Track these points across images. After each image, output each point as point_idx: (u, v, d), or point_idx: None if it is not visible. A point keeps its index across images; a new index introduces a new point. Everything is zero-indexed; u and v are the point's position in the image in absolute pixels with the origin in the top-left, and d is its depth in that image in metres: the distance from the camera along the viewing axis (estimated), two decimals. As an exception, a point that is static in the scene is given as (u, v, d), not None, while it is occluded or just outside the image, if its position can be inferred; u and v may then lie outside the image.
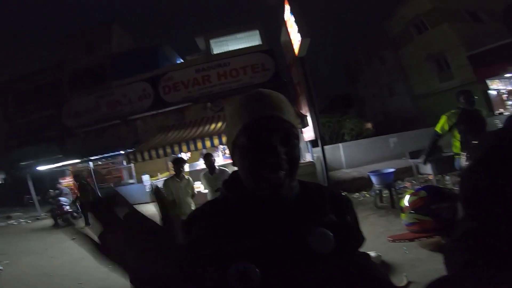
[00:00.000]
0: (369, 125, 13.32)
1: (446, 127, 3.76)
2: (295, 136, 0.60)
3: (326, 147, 9.82)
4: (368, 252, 0.66)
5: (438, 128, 3.86)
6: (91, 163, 10.60)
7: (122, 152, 9.83)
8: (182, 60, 13.04)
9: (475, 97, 3.75)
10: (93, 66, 12.11)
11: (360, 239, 0.66)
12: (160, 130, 9.44)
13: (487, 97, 12.41)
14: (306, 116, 6.41)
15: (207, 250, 0.55)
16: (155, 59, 11.43)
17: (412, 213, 2.95)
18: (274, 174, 0.56)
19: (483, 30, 14.37)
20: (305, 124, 6.29)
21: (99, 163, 11.49)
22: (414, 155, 5.42)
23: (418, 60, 16.43)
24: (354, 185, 7.04)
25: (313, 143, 7.35)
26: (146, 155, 7.04)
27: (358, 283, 0.57)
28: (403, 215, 3.09)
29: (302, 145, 8.24)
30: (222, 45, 10.68)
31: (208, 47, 10.57)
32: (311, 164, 7.11)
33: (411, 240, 3.00)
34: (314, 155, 7.68)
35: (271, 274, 0.52)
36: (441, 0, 15.75)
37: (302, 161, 7.82)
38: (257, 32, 10.15)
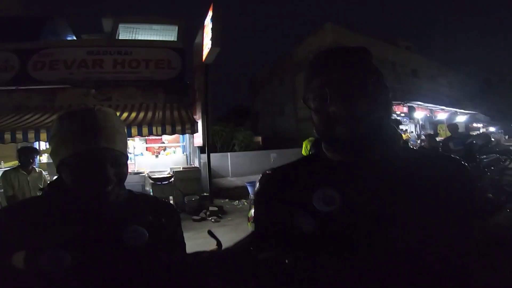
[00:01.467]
0: (258, 139, 14.54)
1: (306, 153, 4.56)
2: (124, 159, 0.71)
3: (215, 154, 10.11)
4: None
5: (303, 152, 4.63)
6: None
7: None
8: (74, 38, 10.94)
9: None
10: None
11: (176, 242, 0.79)
12: (15, 110, 7.46)
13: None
14: (197, 122, 6.43)
15: (22, 239, 0.60)
16: (36, 30, 9.16)
17: (253, 223, 3.39)
18: (104, 188, 0.66)
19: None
20: (195, 130, 6.29)
21: None
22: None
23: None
24: (236, 193, 7.52)
25: (202, 149, 7.42)
26: (-19, 137, 5.39)
27: (167, 270, 0.69)
28: (249, 224, 3.52)
29: (191, 150, 8.22)
30: (131, 32, 9.48)
31: (115, 31, 9.21)
32: (196, 169, 7.14)
33: None
34: (201, 161, 7.76)
35: (84, 261, 0.61)
36: (343, 37, 18.29)
37: (188, 165, 7.85)
38: (176, 28, 9.56)
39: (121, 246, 0.65)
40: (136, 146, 7.93)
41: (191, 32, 9.56)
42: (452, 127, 6.12)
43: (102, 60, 8.54)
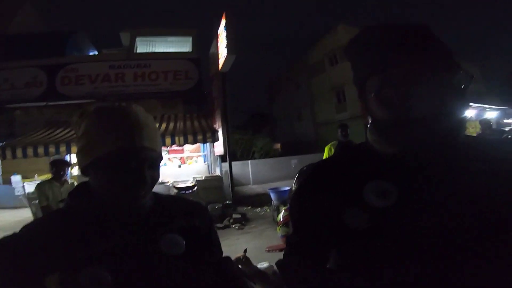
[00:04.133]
0: (277, 146, 14.47)
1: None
2: (159, 160, 0.65)
3: (236, 163, 10.07)
4: (262, 263, 0.76)
5: (325, 157, 4.51)
6: None
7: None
8: (96, 53, 11.55)
9: (347, 130, 4.28)
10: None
11: (212, 242, 0.75)
12: (47, 125, 7.90)
13: (366, 130, 15.23)
14: (217, 131, 6.51)
15: (56, 257, 0.54)
16: (61, 46, 9.73)
17: (284, 226, 3.30)
18: (140, 192, 0.59)
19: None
20: (215, 139, 6.36)
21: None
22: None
23: (324, 90, 18.07)
24: (258, 200, 7.47)
25: (223, 157, 7.48)
26: (19, 152, 5.74)
27: (210, 282, 0.65)
28: (278, 229, 3.45)
29: (212, 159, 8.31)
30: (148, 45, 9.90)
31: (133, 44, 9.64)
32: (218, 178, 7.20)
33: (281, 250, 3.34)
34: (223, 169, 7.81)
35: (123, 276, 0.55)
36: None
37: (210, 174, 7.94)
38: (191, 39, 9.86)
39: (160, 258, 0.60)
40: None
41: (205, 42, 9.80)
42: (485, 123, 5.77)
43: (124, 74, 8.91)
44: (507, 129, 16.25)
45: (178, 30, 10.35)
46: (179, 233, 0.64)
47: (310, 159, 10.45)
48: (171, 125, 7.15)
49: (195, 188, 6.36)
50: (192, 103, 8.69)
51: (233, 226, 5.69)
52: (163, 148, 7.11)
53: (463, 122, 0.49)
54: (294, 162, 10.61)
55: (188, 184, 6.54)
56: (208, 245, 0.73)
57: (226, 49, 6.30)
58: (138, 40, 9.81)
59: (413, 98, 0.46)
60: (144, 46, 9.88)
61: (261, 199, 7.39)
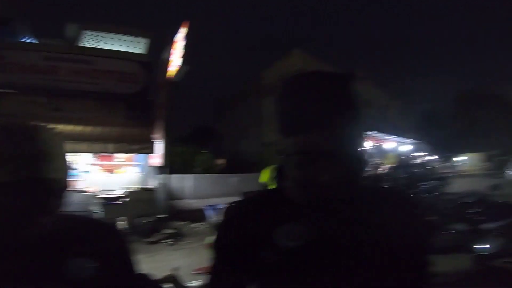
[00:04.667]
0: (221, 161, 14.40)
1: (267, 181, 4.59)
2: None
3: (175, 176, 9.55)
4: (192, 282, 0.76)
5: (262, 180, 4.66)
6: None
7: None
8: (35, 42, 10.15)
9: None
10: None
11: (122, 262, 0.69)
12: None
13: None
14: (155, 142, 6.24)
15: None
16: None
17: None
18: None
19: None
20: (152, 150, 6.09)
21: None
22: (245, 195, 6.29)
23: (274, 112, 19.37)
24: (195, 215, 7.23)
25: (161, 169, 7.14)
26: None
27: None
28: (207, 250, 3.43)
29: (147, 170, 7.83)
30: (96, 40, 8.98)
31: (77, 37, 8.65)
32: (152, 190, 6.81)
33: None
34: (159, 181, 7.44)
35: None
36: (308, 65, 18.65)
37: (144, 186, 7.44)
38: (148, 41, 9.21)
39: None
40: (84, 162, 7.32)
41: (157, 46, 9.40)
42: (398, 157, 6.76)
43: (59, 68, 7.98)
44: (419, 161, 19.24)
45: (134, 29, 9.56)
46: (83, 256, 0.60)
47: (252, 178, 10.62)
48: (106, 129, 6.60)
49: (126, 199, 5.91)
50: (134, 109, 8.16)
51: (166, 241, 5.41)
52: (91, 153, 6.40)
53: (360, 172, 0.58)
54: (234, 180, 10.67)
55: (117, 194, 6.04)
56: (118, 266, 0.68)
57: (181, 59, 6.23)
58: (87, 34, 8.89)
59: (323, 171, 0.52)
60: (91, 41, 9.00)
61: (199, 215, 7.18)
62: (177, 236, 5.75)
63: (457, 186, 9.99)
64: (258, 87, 20.62)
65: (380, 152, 17.70)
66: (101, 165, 7.66)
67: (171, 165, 7.37)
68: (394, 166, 6.73)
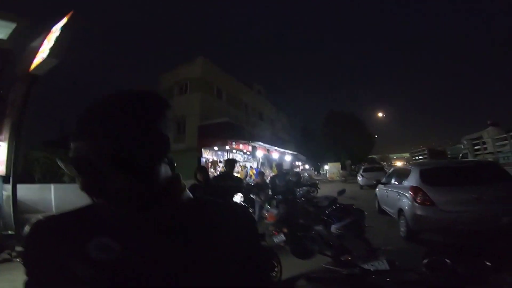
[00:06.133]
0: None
1: None
2: None
3: (33, 186, 8.09)
4: None
5: None
6: None
7: None
8: None
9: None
10: None
11: None
12: None
13: (199, 162, 16.09)
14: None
15: None
16: None
17: None
18: None
19: (218, 107, 19.07)
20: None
21: None
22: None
23: None
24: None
25: (6, 178, 5.62)
26: None
27: None
28: None
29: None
30: None
31: None
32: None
33: None
34: (4, 192, 5.85)
35: None
36: (210, 73, 19.12)
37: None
38: (14, 25, 6.98)
39: None
40: None
41: (31, 34, 7.49)
42: (278, 166, 7.65)
43: None
44: (297, 169, 22.21)
45: (2, 12, 7.37)
46: None
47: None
48: None
49: None
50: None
51: (17, 260, 4.80)
52: None
53: (176, 185, 0.62)
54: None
55: None
56: None
57: (49, 50, 5.12)
58: None
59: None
60: None
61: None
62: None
63: (320, 191, 12.17)
64: (154, 90, 19.74)
65: (268, 160, 19.56)
66: None
67: (27, 174, 5.88)
68: (274, 175, 7.54)
